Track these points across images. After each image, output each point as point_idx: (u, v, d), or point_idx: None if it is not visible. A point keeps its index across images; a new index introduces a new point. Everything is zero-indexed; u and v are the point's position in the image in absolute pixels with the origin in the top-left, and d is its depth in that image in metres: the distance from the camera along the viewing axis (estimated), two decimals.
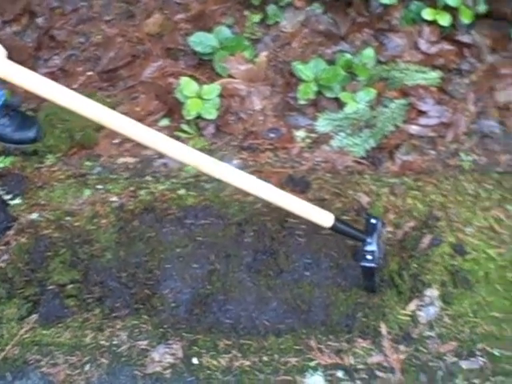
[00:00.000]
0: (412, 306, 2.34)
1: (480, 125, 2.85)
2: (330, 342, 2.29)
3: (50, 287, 2.44)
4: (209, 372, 2.25)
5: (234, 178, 2.06)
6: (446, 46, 2.97)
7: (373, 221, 2.28)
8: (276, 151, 2.82)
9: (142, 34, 3.08)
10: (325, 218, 2.17)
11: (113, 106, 2.89)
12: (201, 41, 2.93)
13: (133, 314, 2.39)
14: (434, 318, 2.33)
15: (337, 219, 2.18)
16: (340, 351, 2.27)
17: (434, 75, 2.90)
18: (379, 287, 2.36)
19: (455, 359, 2.24)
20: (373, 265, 2.21)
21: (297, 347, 2.29)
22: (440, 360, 2.25)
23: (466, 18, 2.86)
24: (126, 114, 2.76)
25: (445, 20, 2.89)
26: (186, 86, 2.78)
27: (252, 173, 2.65)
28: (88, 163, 2.81)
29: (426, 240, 2.46)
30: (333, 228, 2.18)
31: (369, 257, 2.20)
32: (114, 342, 2.34)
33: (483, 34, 2.95)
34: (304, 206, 2.15)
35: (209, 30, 2.98)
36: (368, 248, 2.21)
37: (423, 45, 2.98)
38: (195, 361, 2.28)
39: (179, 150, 2.02)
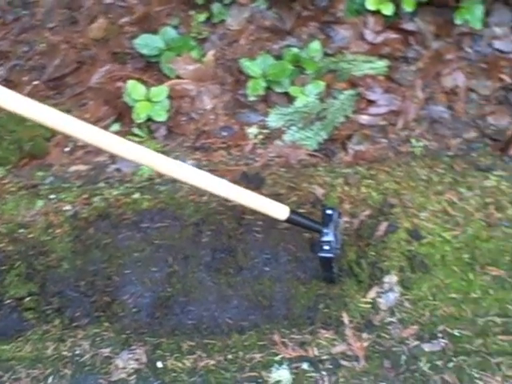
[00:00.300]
0: (372, 293, 2.36)
1: (429, 110, 2.88)
2: (293, 335, 2.29)
3: (7, 301, 2.41)
4: (174, 374, 2.24)
5: (189, 176, 2.05)
6: (391, 35, 3.00)
7: (329, 211, 2.29)
8: (229, 149, 2.82)
9: (87, 40, 3.05)
10: (280, 211, 2.17)
11: None
12: (146, 43, 2.91)
13: (94, 322, 2.37)
14: (395, 303, 2.35)
15: (292, 211, 2.19)
16: (304, 343, 2.28)
17: (381, 64, 2.93)
18: (338, 277, 2.38)
19: (417, 343, 2.26)
20: (330, 255, 2.22)
21: (261, 343, 2.29)
22: (403, 344, 2.26)
23: (408, 7, 2.88)
24: None
25: (388, 9, 2.91)
26: (134, 90, 2.77)
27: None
28: (39, 173, 2.78)
29: (382, 227, 2.48)
30: (288, 220, 2.19)
31: (326, 247, 2.21)
32: (77, 352, 2.31)
33: (427, 21, 2.99)
34: (259, 199, 2.15)
35: (154, 31, 2.96)
36: (325, 238, 2.22)
37: (369, 35, 3.00)
38: (160, 364, 2.26)
39: (134, 150, 1.99)
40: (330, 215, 2.28)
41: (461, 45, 2.98)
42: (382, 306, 2.34)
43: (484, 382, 2.17)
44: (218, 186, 2.08)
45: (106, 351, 2.30)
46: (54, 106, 2.84)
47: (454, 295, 2.36)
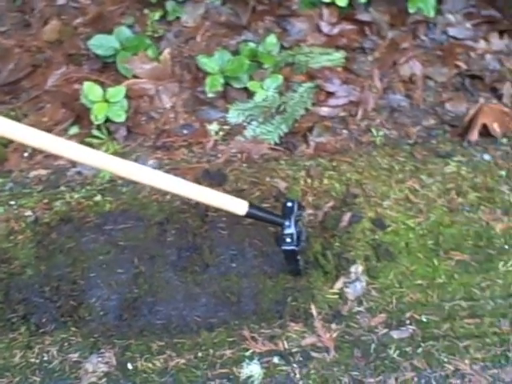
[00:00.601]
0: (339, 284, 2.37)
1: (388, 100, 2.91)
2: (262, 330, 2.29)
3: None
4: (145, 375, 2.22)
5: (147, 178, 2.04)
6: (347, 26, 3.02)
7: (289, 204, 2.29)
8: (191, 147, 2.81)
9: (41, 43, 3.01)
10: (239, 206, 2.17)
11: (18, 119, 2.83)
12: (101, 43, 2.88)
13: (61, 327, 2.33)
14: (362, 293, 2.36)
15: (251, 206, 2.19)
16: (273, 337, 2.27)
17: (338, 56, 2.94)
18: (304, 269, 2.38)
19: (386, 330, 2.28)
20: (293, 247, 2.22)
21: (230, 339, 2.28)
22: (372, 333, 2.28)
23: None
24: (32, 125, 2.70)
25: (342, 0, 2.92)
26: (90, 91, 2.73)
27: (168, 171, 2.65)
28: None
29: (346, 218, 2.49)
30: (248, 215, 2.19)
31: (288, 240, 2.21)
32: (45, 359, 2.28)
33: (381, 11, 3.01)
34: (217, 196, 2.15)
35: (109, 31, 2.93)
36: (287, 231, 2.22)
37: (325, 27, 3.02)
38: (130, 366, 2.24)
39: (91, 156, 1.98)
40: (290, 207, 2.29)
41: (416, 33, 3.01)
42: (350, 296, 2.35)
43: (453, 365, 2.20)
44: (175, 185, 2.08)
45: (75, 356, 2.28)
46: (11, 110, 2.84)
47: (419, 281, 2.38)
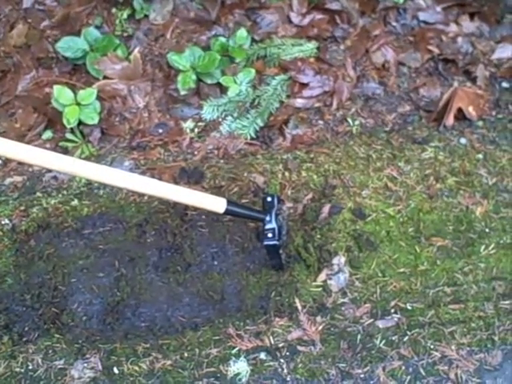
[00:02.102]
0: (322, 276, 2.36)
1: (362, 88, 2.91)
2: (248, 327, 2.28)
3: None
4: (132, 379, 2.20)
5: (122, 181, 2.02)
6: (318, 16, 3.00)
7: (269, 199, 2.29)
8: (166, 146, 2.79)
9: (9, 47, 2.96)
10: (217, 204, 2.15)
11: None
12: (69, 46, 2.84)
13: (44, 335, 2.31)
14: (345, 284, 2.36)
15: (229, 202, 2.17)
16: (259, 333, 2.27)
17: (310, 46, 2.92)
18: (287, 263, 2.37)
19: (371, 320, 2.28)
20: (275, 242, 2.22)
21: (216, 338, 2.27)
22: (357, 324, 2.28)
23: None
24: (4, 132, 2.71)
25: None
26: (61, 95, 2.69)
27: (145, 171, 2.65)
28: None
29: (326, 209, 2.49)
30: (227, 212, 2.17)
31: (270, 235, 2.21)
32: (30, 367, 2.26)
33: None
34: (195, 195, 2.13)
35: (77, 33, 2.90)
36: (268, 226, 2.22)
37: (295, 18, 3.00)
38: (116, 370, 2.23)
39: (64, 163, 1.95)
40: (270, 202, 2.28)
41: (387, 20, 3.00)
42: (334, 288, 2.35)
43: (440, 352, 2.21)
44: (151, 187, 2.06)
45: (60, 363, 2.26)
46: None
47: (402, 270, 2.39)
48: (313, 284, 2.36)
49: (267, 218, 2.23)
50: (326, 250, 2.40)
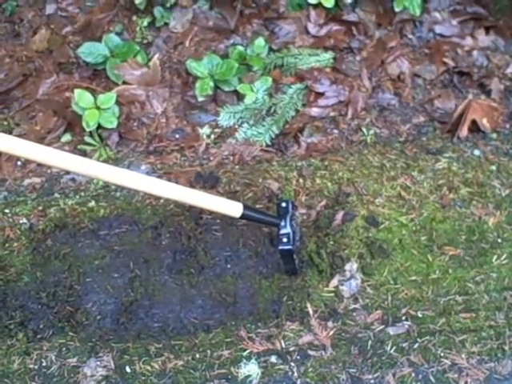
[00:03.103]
0: (334, 282, 2.38)
1: (377, 99, 2.93)
2: (259, 330, 2.30)
3: None
4: (143, 378, 2.22)
5: (140, 184, 2.05)
6: (335, 27, 3.03)
7: (283, 204, 2.31)
8: (183, 151, 2.82)
9: (31, 52, 3.02)
10: (234, 208, 2.18)
11: (10, 129, 2.85)
12: (90, 51, 2.89)
13: (58, 332, 2.34)
14: (357, 290, 2.37)
15: (246, 207, 2.20)
16: (270, 337, 2.28)
17: (327, 56, 2.96)
18: (300, 268, 2.39)
19: (382, 327, 2.30)
20: (290, 247, 2.24)
21: (228, 340, 2.29)
22: (368, 330, 2.29)
23: None
24: (25, 134, 2.77)
25: (329, 1, 2.94)
26: (81, 98, 2.74)
27: (161, 175, 2.67)
28: None
29: (339, 216, 2.51)
30: (243, 217, 2.20)
31: (285, 239, 2.24)
32: (43, 364, 2.28)
33: (367, 11, 3.03)
34: (211, 199, 2.16)
35: (98, 39, 2.95)
36: (283, 231, 2.25)
37: (312, 28, 3.03)
38: (128, 369, 2.25)
39: (84, 165, 1.98)
40: (284, 207, 2.31)
41: (403, 32, 3.03)
42: (345, 294, 2.37)
43: (450, 360, 2.22)
44: (169, 190, 2.09)
45: (73, 361, 2.28)
46: (3, 120, 2.85)
47: (414, 277, 2.40)
48: (325, 289, 2.38)
49: (282, 223, 2.26)
50: (338, 257, 2.42)
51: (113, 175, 2.01)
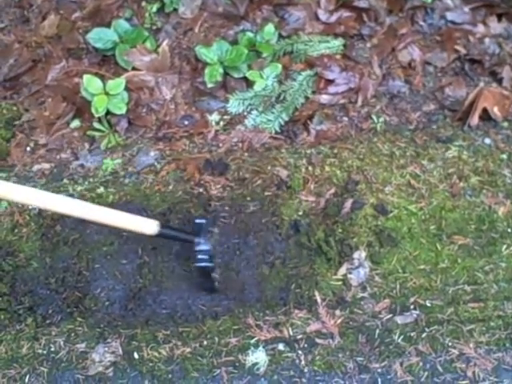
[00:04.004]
0: (342, 270, 2.38)
1: (387, 86, 2.92)
2: (267, 317, 2.31)
3: None
4: (151, 364, 2.23)
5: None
6: (345, 13, 3.01)
7: (199, 221, 2.33)
8: (192, 137, 2.82)
9: (40, 38, 3.01)
10: (148, 226, 2.17)
11: (20, 114, 2.85)
12: (100, 37, 2.89)
13: (67, 318, 2.36)
14: (365, 279, 2.37)
15: (162, 225, 2.19)
16: (278, 324, 2.29)
17: (337, 43, 2.94)
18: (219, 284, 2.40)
19: (390, 316, 2.30)
20: (208, 264, 2.26)
21: (235, 327, 2.30)
22: (376, 319, 2.29)
23: None
24: (34, 120, 2.76)
25: None
26: (90, 84, 2.74)
27: (170, 162, 2.67)
28: (2, 174, 2.74)
29: (348, 204, 2.50)
30: (160, 235, 2.19)
31: (201, 256, 2.24)
32: (52, 349, 2.30)
33: None
34: (125, 217, 2.15)
35: (107, 25, 2.94)
36: (199, 248, 2.25)
37: (322, 15, 3.01)
38: (136, 355, 2.26)
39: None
40: (200, 224, 2.31)
41: (414, 19, 3.01)
42: (353, 282, 2.37)
43: (457, 349, 2.21)
44: (80, 209, 2.10)
45: (82, 346, 2.29)
46: (12, 105, 2.85)
47: (423, 266, 2.39)
48: (333, 277, 2.38)
49: (197, 240, 2.25)
50: (347, 245, 2.41)
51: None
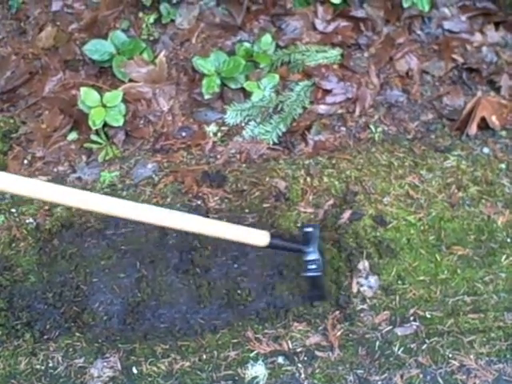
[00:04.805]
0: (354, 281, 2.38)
1: (385, 96, 2.91)
2: (266, 331, 2.29)
3: None
4: (150, 379, 2.22)
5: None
6: (342, 23, 3.00)
7: (308, 229, 2.27)
8: (189, 149, 2.81)
9: (37, 50, 3.01)
10: (260, 238, 2.14)
11: (17, 127, 2.85)
12: (97, 48, 2.88)
13: (65, 333, 2.34)
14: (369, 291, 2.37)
15: (272, 236, 2.16)
16: (278, 338, 2.28)
17: (335, 53, 2.93)
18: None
19: (390, 327, 2.29)
20: (318, 273, 2.21)
21: (235, 340, 2.29)
22: (376, 331, 2.28)
23: None
24: (31, 132, 2.75)
25: None
26: (87, 96, 2.73)
27: (168, 174, 2.66)
28: None
29: (347, 215, 2.49)
30: (270, 246, 2.16)
31: (312, 266, 2.19)
32: (50, 365, 2.29)
33: (376, 7, 3.00)
34: (239, 230, 2.14)
35: (104, 36, 2.93)
36: (309, 257, 2.20)
37: (320, 24, 3.01)
38: (135, 370, 2.25)
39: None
40: (308, 233, 2.26)
41: (411, 28, 3.00)
42: (368, 294, 2.36)
43: (458, 361, 2.20)
44: (193, 224, 2.09)
45: (80, 361, 2.28)
46: (9, 118, 2.84)
47: (422, 277, 2.38)
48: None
49: (307, 250, 2.21)
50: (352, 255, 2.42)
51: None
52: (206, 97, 2.84)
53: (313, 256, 2.19)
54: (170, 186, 2.63)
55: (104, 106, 2.75)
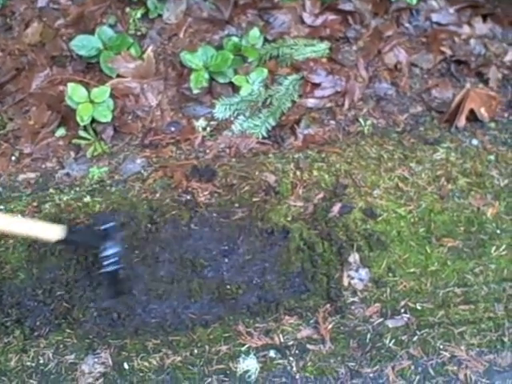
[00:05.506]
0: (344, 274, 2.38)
1: (374, 89, 2.91)
2: (257, 324, 2.29)
3: None
4: (141, 374, 2.22)
5: None
6: (330, 16, 3.01)
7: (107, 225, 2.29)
8: (178, 144, 2.80)
9: (24, 46, 2.98)
10: (54, 232, 2.12)
11: (4, 123, 2.83)
12: (83, 44, 2.86)
13: (55, 329, 2.33)
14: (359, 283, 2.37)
15: (71, 231, 2.15)
16: (269, 331, 2.28)
17: (323, 46, 2.93)
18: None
19: (381, 320, 2.29)
20: (116, 267, 2.23)
21: (226, 335, 2.28)
22: (367, 323, 2.29)
23: None
24: (18, 129, 2.74)
25: None
26: (75, 92, 2.71)
27: (157, 169, 2.65)
28: None
29: (337, 209, 2.49)
30: (66, 241, 2.15)
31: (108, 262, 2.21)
32: (41, 361, 2.28)
33: (364, 0, 3.00)
34: (31, 224, 2.12)
35: (91, 32, 2.91)
36: (105, 254, 2.22)
37: (308, 18, 3.01)
38: (126, 365, 2.24)
39: None
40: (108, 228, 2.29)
41: (399, 21, 3.01)
42: (358, 286, 2.36)
43: (449, 352, 2.22)
44: None
45: (71, 358, 2.27)
46: None
47: (412, 270, 2.39)
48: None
49: (107, 245, 2.22)
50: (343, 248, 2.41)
51: None
52: (195, 91, 2.83)
53: (110, 251, 2.20)
54: (160, 181, 2.62)
55: (92, 101, 2.73)
